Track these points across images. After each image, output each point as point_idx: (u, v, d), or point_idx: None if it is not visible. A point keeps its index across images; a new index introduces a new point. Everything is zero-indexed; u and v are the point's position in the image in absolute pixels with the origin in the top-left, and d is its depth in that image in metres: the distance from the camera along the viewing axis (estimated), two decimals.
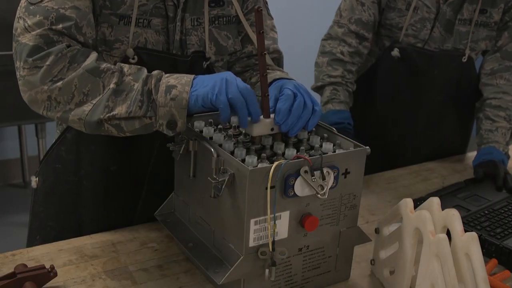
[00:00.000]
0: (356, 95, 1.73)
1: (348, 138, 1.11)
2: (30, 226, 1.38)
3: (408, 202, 1.08)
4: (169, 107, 1.02)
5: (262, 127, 1.08)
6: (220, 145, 1.06)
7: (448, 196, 1.48)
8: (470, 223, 1.33)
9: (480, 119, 1.77)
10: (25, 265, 1.07)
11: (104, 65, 1.06)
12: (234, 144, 1.07)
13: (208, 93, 1.01)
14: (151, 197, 1.32)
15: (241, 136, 1.11)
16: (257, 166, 1.00)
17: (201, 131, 1.14)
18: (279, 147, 1.07)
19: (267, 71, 1.27)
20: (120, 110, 1.04)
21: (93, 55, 1.08)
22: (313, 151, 1.10)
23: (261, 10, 1.02)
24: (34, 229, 1.37)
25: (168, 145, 1.14)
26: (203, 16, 1.26)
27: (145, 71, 1.07)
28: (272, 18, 1.45)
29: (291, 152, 1.06)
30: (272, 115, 1.09)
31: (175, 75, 1.06)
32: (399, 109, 1.76)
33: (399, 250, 1.10)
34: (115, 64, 1.19)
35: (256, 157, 1.01)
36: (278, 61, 1.42)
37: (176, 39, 1.24)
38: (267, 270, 1.01)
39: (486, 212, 1.39)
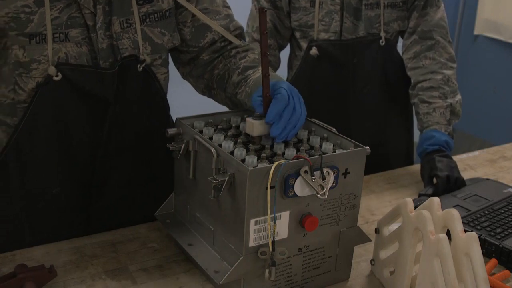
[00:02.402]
0: None
1: (349, 139, 1.11)
2: None
3: (408, 202, 1.08)
4: None
5: (262, 127, 1.08)
6: (220, 145, 1.06)
7: (448, 196, 1.48)
8: (470, 223, 1.33)
9: (416, 104, 1.73)
10: (25, 265, 1.07)
11: None
12: (234, 144, 1.07)
13: None
14: (102, 212, 1.30)
15: (241, 136, 1.11)
16: (257, 166, 1.00)
17: (201, 131, 1.14)
18: (279, 147, 1.07)
19: (252, 67, 1.25)
20: None
21: None
22: (313, 151, 1.10)
23: (266, 10, 1.01)
24: None
25: (168, 145, 1.14)
26: (132, 16, 1.19)
27: None
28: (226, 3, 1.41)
29: (291, 152, 1.06)
30: None
31: None
32: (329, 106, 1.74)
33: (399, 250, 1.10)
34: (37, 85, 1.15)
35: (256, 157, 1.01)
36: (242, 35, 1.38)
37: (102, 48, 1.17)
38: (267, 270, 1.01)
39: (486, 212, 1.39)
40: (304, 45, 1.71)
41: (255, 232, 0.99)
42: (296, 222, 1.03)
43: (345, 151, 1.07)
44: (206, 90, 1.40)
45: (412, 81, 1.76)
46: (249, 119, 1.09)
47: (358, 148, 1.08)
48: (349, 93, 1.74)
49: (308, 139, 1.14)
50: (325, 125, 1.18)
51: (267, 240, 1.01)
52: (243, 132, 1.14)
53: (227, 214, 1.03)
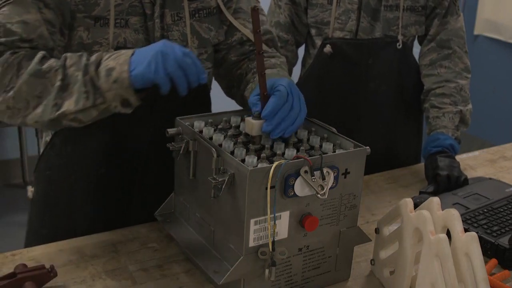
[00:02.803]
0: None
1: (348, 139, 1.11)
2: (27, 237, 1.38)
3: (408, 202, 1.08)
4: (114, 90, 1.03)
5: (262, 127, 1.08)
6: (220, 145, 1.06)
7: (449, 194, 1.48)
8: (467, 220, 1.33)
9: (426, 109, 1.74)
10: (25, 265, 1.07)
11: (46, 65, 1.06)
12: (234, 144, 1.07)
13: (146, 72, 1.01)
14: (144, 196, 1.32)
15: (241, 136, 1.11)
16: (257, 166, 1.00)
17: (201, 131, 1.14)
18: (279, 147, 1.07)
19: (264, 55, 1.27)
20: (69, 105, 1.05)
21: (38, 56, 1.07)
22: (313, 151, 1.10)
23: (257, 9, 1.02)
24: (30, 240, 1.36)
25: (168, 145, 1.14)
26: (183, 10, 1.26)
27: (84, 58, 1.07)
28: (258, 1, 1.44)
29: (291, 152, 1.06)
30: None
31: (115, 54, 1.06)
32: (339, 105, 1.74)
33: (399, 250, 1.10)
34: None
35: (256, 157, 1.01)
36: (272, 41, 1.41)
37: (157, 36, 1.23)
38: (267, 270, 1.01)
39: (485, 210, 1.39)
40: (318, 42, 1.70)
41: (255, 232, 0.99)
42: (296, 222, 1.03)
43: (345, 151, 1.07)
44: (229, 89, 1.42)
45: (425, 87, 1.76)
46: (248, 119, 1.09)
47: (358, 148, 1.08)
48: (361, 93, 1.73)
49: (308, 139, 1.14)
50: (325, 125, 1.18)
51: (267, 240, 1.01)
52: (243, 132, 1.14)
53: (227, 214, 1.03)
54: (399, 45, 1.69)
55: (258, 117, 1.09)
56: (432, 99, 1.72)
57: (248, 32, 1.33)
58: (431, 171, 1.59)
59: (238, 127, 1.17)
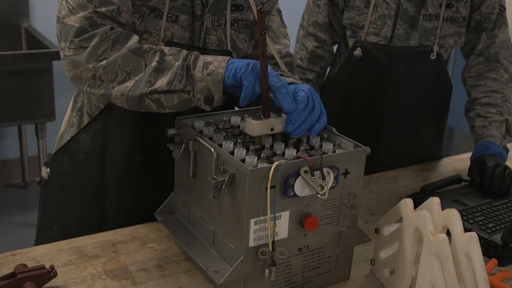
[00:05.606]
0: (325, 98, 1.72)
1: (348, 139, 1.11)
2: (42, 218, 1.38)
3: (408, 202, 1.08)
4: (205, 82, 1.08)
5: (262, 127, 1.08)
6: (220, 145, 1.06)
7: (450, 191, 1.49)
8: (463, 217, 1.33)
9: (471, 118, 1.73)
10: (25, 265, 1.07)
11: (146, 46, 1.12)
12: (234, 144, 1.07)
13: (242, 67, 1.07)
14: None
15: (241, 136, 1.11)
16: (257, 166, 1.00)
17: (201, 131, 1.14)
18: (279, 147, 1.07)
19: (281, 77, 1.29)
20: (161, 83, 1.09)
21: (135, 37, 1.14)
22: (313, 151, 1.10)
23: (264, 11, 1.03)
24: (49, 219, 1.37)
25: (168, 145, 1.15)
26: (223, 17, 1.31)
27: (185, 51, 1.13)
28: (285, 27, 1.46)
29: (291, 152, 1.06)
30: (272, 115, 1.09)
31: (212, 55, 1.13)
32: (364, 110, 1.73)
33: (399, 250, 1.10)
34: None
35: (256, 157, 1.01)
36: (291, 65, 1.45)
37: (201, 37, 1.29)
38: (267, 270, 1.01)
39: (484, 208, 1.39)
40: (351, 44, 1.69)
41: (255, 232, 0.99)
42: (296, 222, 1.03)
43: (345, 151, 1.07)
44: None
45: (470, 97, 1.75)
46: (248, 119, 1.09)
47: (358, 148, 1.08)
48: (388, 101, 1.70)
49: (308, 139, 1.14)
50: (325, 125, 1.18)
51: (267, 240, 1.01)
52: (243, 132, 1.14)
53: (227, 214, 1.03)
54: (433, 56, 1.66)
55: (258, 117, 1.09)
56: (478, 108, 1.71)
57: (274, 51, 1.37)
58: (476, 165, 1.56)
59: (238, 127, 1.17)
